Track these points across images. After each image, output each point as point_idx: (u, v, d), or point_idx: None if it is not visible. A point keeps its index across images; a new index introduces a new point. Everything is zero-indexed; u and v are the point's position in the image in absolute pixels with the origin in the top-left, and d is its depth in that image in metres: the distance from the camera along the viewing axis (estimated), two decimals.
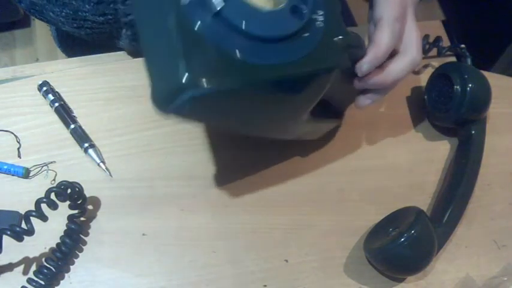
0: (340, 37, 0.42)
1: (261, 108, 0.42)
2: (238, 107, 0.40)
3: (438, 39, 0.60)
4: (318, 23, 0.41)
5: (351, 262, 0.50)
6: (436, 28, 0.66)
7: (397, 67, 0.45)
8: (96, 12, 0.56)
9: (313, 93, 0.43)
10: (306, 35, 0.39)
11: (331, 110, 0.52)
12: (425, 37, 0.59)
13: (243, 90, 0.38)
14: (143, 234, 0.50)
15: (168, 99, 0.35)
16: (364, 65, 0.44)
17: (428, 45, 0.60)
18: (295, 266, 0.50)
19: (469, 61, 0.58)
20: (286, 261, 0.50)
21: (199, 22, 0.36)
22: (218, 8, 0.36)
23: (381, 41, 0.44)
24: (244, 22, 0.36)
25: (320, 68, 0.41)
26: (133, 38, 0.58)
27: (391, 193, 0.54)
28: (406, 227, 0.46)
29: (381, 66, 0.45)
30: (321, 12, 0.41)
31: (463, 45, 0.59)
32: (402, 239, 0.45)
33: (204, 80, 0.35)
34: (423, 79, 0.59)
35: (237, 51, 0.36)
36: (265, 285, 0.49)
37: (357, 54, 0.44)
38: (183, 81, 0.34)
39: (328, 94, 0.45)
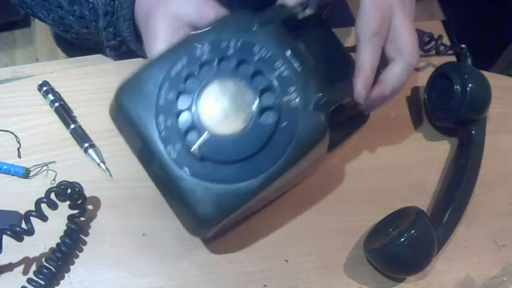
0: (319, 97, 0.42)
1: (273, 193, 0.46)
2: (253, 206, 0.45)
3: (439, 37, 0.59)
4: (292, 102, 0.41)
5: (351, 262, 0.50)
6: (436, 28, 0.66)
7: (392, 76, 0.45)
8: (79, 25, 0.56)
9: (315, 159, 0.45)
10: (284, 124, 0.41)
11: (353, 125, 0.51)
12: (429, 34, 0.59)
13: (248, 204, 0.42)
14: (143, 234, 0.50)
15: (197, 235, 0.46)
16: (361, 92, 0.43)
17: (435, 41, 0.60)
18: (295, 266, 0.50)
19: (469, 61, 0.58)
20: (286, 261, 0.50)
21: (187, 169, 0.41)
22: (199, 154, 0.40)
23: (364, 61, 0.43)
24: (223, 153, 0.40)
25: (307, 147, 0.42)
26: (117, 55, 0.58)
27: (391, 193, 0.54)
28: (406, 227, 0.46)
29: (376, 79, 0.44)
30: (292, 89, 0.41)
31: (463, 45, 0.59)
32: (402, 239, 0.45)
33: (214, 216, 0.41)
34: (423, 79, 0.59)
35: (231, 179, 0.41)
36: (265, 285, 0.49)
37: (350, 88, 0.44)
38: (200, 226, 0.42)
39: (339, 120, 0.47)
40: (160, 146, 0.41)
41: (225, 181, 0.41)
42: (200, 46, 0.42)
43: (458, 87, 0.53)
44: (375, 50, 0.43)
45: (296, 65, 0.42)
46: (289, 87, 0.41)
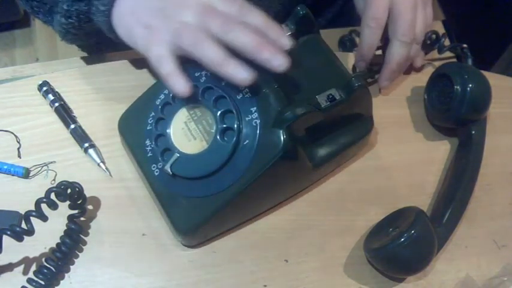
0: (277, 114, 0.44)
1: (250, 205, 0.49)
2: (230, 217, 0.48)
3: (443, 35, 0.59)
4: (254, 121, 0.44)
5: (351, 262, 0.50)
6: (436, 28, 0.66)
7: (392, 54, 0.54)
8: None
9: (287, 172, 0.47)
10: (246, 142, 0.44)
11: (357, 133, 0.52)
12: (434, 32, 0.59)
13: (220, 214, 0.46)
14: (143, 234, 0.50)
15: (181, 242, 0.49)
16: (370, 23, 0.52)
17: (439, 39, 0.59)
18: (295, 266, 0.50)
19: (469, 61, 0.58)
20: (286, 261, 0.50)
21: (166, 185, 0.47)
22: (170, 172, 0.46)
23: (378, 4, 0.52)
24: (191, 171, 0.45)
25: (267, 162, 0.44)
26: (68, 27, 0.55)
27: (391, 193, 0.54)
28: (406, 227, 0.46)
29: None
30: (254, 109, 0.44)
31: (465, 45, 0.59)
32: (402, 239, 0.45)
33: (188, 227, 0.46)
34: (423, 79, 0.59)
35: (199, 193, 0.45)
36: (265, 285, 0.49)
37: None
38: (178, 234, 0.47)
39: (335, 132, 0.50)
40: (149, 165, 0.48)
41: (195, 195, 0.46)
42: None
43: (458, 87, 0.53)
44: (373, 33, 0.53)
45: (260, 86, 0.45)
46: (250, 107, 0.45)
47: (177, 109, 0.47)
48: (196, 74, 0.47)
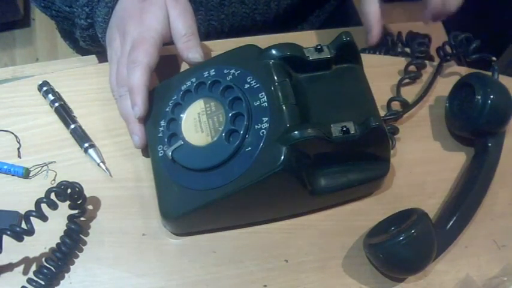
0: (284, 130, 0.43)
1: (237, 211, 0.48)
2: (214, 216, 0.48)
3: (469, 38, 0.58)
4: (261, 131, 0.44)
5: (351, 262, 0.50)
6: (436, 28, 0.66)
7: None
8: (63, 2, 0.57)
9: (280, 191, 0.47)
10: (248, 149, 0.45)
11: (370, 173, 0.50)
12: (427, 36, 0.59)
13: (203, 210, 0.46)
14: (143, 234, 0.50)
15: (164, 225, 0.49)
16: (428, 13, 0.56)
17: (466, 44, 0.59)
18: (295, 266, 0.50)
19: (496, 75, 0.56)
20: (286, 261, 0.50)
21: (165, 167, 0.48)
22: (170, 155, 0.47)
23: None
24: (189, 161, 0.46)
25: (261, 174, 0.43)
26: (83, 37, 0.58)
27: (392, 193, 0.54)
28: (407, 227, 0.46)
29: None
30: (265, 119, 0.45)
31: (494, 58, 0.58)
32: (401, 238, 0.45)
33: (171, 213, 0.47)
34: (447, 87, 0.59)
35: (190, 185, 0.46)
36: (265, 285, 0.49)
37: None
38: (161, 217, 0.48)
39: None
40: (156, 144, 0.49)
41: (186, 185, 0.46)
42: (208, 69, 0.49)
43: (479, 97, 0.52)
44: None
45: (278, 99, 0.45)
46: (263, 117, 0.45)
47: (195, 99, 0.48)
48: (225, 71, 0.48)
